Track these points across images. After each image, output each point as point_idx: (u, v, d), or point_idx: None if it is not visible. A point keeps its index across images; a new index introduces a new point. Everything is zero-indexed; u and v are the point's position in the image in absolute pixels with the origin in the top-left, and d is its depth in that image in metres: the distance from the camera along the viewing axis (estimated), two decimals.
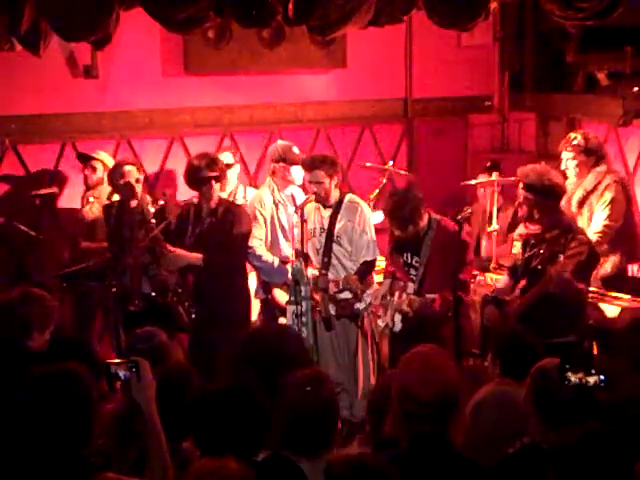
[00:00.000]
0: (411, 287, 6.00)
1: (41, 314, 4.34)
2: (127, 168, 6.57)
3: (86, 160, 7.06)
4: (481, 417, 3.85)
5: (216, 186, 6.21)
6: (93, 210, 6.96)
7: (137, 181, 6.59)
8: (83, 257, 6.71)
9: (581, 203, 6.56)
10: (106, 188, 6.97)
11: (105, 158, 7.07)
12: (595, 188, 6.54)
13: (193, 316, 6.19)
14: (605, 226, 6.45)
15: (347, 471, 2.80)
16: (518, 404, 3.66)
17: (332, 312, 6.16)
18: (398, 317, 5.99)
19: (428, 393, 3.09)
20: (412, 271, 6.07)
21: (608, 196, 6.49)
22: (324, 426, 3.24)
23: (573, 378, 3.19)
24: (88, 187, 7.08)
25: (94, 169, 7.02)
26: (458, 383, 3.20)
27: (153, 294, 6.19)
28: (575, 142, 6.57)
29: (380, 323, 6.10)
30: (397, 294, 6.01)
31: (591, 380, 3.19)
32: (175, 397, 3.52)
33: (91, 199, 7.03)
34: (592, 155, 6.59)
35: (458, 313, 5.84)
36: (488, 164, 7.38)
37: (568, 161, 6.62)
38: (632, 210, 6.85)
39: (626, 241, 6.67)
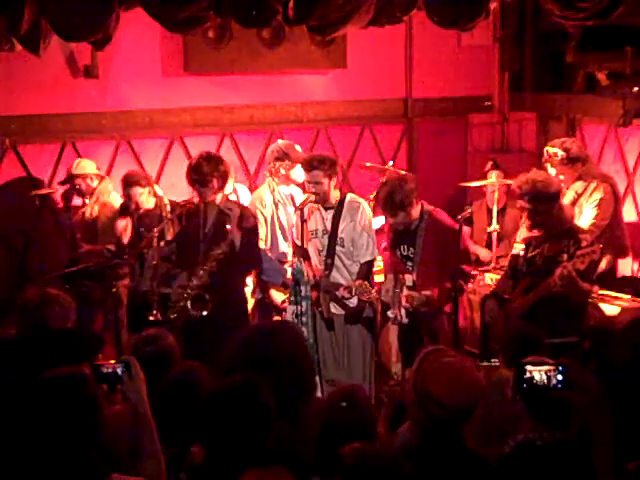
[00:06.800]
0: (409, 279, 6.02)
1: (59, 315, 4.28)
2: (135, 191, 6.51)
3: (73, 180, 6.91)
4: None
5: (205, 188, 5.99)
6: (92, 213, 6.92)
7: (150, 193, 6.55)
8: (83, 258, 6.71)
9: (572, 205, 6.61)
10: (107, 186, 6.94)
11: (87, 166, 6.93)
12: (585, 190, 6.63)
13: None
14: (592, 224, 6.54)
15: (361, 460, 2.81)
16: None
17: (333, 311, 6.16)
18: (403, 311, 6.04)
19: (457, 402, 3.19)
20: (409, 263, 6.08)
21: (597, 196, 6.59)
22: None
23: (537, 375, 3.07)
24: (83, 195, 6.95)
25: (84, 180, 6.90)
26: (481, 392, 3.30)
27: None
28: (557, 158, 6.59)
29: (390, 314, 6.13)
30: (401, 288, 6.05)
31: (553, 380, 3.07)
32: (186, 400, 3.49)
33: (88, 201, 6.96)
34: (577, 162, 6.64)
35: (457, 305, 5.86)
36: (490, 164, 7.40)
37: (558, 176, 6.63)
38: (620, 209, 6.95)
39: (616, 239, 6.78)
